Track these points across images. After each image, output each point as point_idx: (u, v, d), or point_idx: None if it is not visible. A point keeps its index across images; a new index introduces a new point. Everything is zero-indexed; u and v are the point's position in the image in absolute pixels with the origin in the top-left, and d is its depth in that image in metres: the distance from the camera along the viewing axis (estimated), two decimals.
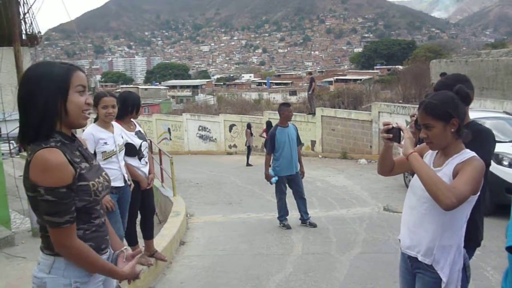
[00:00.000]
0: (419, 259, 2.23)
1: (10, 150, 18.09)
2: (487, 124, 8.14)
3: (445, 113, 2.14)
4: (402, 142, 2.21)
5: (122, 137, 3.96)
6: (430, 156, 2.32)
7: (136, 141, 4.22)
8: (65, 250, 1.72)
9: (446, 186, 2.00)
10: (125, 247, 2.04)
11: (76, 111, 1.77)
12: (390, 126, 2.25)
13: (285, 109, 6.71)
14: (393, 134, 2.24)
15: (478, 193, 2.13)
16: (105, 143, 3.67)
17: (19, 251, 5.53)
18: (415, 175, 2.24)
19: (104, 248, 1.88)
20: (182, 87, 78.86)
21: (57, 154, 1.67)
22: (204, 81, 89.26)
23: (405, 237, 2.33)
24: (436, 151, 2.29)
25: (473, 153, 2.16)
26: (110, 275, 1.86)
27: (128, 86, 79.34)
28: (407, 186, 9.63)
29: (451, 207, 1.99)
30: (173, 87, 78.77)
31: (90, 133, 3.62)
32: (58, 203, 1.66)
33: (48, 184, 1.64)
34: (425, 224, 2.21)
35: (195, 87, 77.58)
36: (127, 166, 4.06)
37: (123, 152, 3.91)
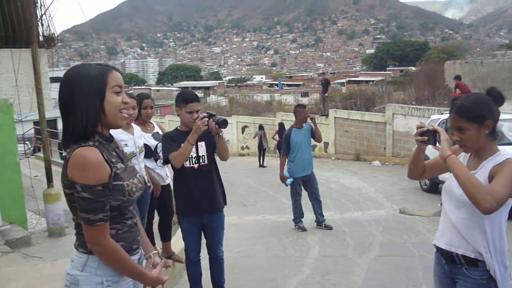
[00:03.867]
0: (467, 254, 2.16)
1: (25, 150, 18.27)
2: (504, 126, 8.03)
3: (478, 115, 2.10)
4: (438, 145, 2.17)
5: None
6: (463, 158, 2.27)
7: (152, 142, 4.22)
8: (97, 248, 1.73)
9: (486, 189, 1.96)
10: (154, 251, 2.04)
11: (114, 111, 1.79)
12: (425, 128, 2.21)
13: (301, 111, 6.69)
14: (428, 136, 2.19)
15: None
16: (126, 144, 3.67)
17: (36, 251, 5.56)
18: (448, 179, 2.20)
19: (136, 248, 1.90)
20: (194, 88, 79.12)
21: (95, 152, 1.70)
22: (215, 82, 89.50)
23: (446, 239, 2.27)
24: (469, 153, 2.25)
25: (508, 155, 2.11)
26: (139, 278, 1.86)
27: (140, 87, 79.88)
28: (422, 188, 9.54)
29: (491, 211, 1.95)
30: (185, 88, 79.13)
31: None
32: (93, 201, 1.68)
33: (85, 181, 1.66)
34: (467, 229, 2.16)
35: (206, 88, 77.87)
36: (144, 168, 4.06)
37: (143, 153, 3.92)
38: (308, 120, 6.63)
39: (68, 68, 1.91)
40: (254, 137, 17.68)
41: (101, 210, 1.70)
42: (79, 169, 1.67)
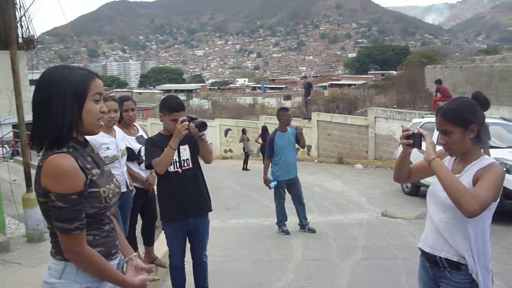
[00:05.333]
0: (449, 258, 2.17)
1: (3, 154, 17.91)
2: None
3: (464, 119, 2.12)
4: (423, 148, 2.19)
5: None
6: (448, 162, 2.28)
7: (135, 146, 4.17)
8: (74, 256, 1.69)
9: (470, 193, 1.98)
10: (135, 253, 1.99)
11: (91, 120, 1.74)
12: (410, 132, 2.22)
13: (284, 114, 6.70)
14: (414, 140, 2.21)
15: (498, 200, 2.10)
16: (108, 148, 3.62)
17: (15, 257, 5.44)
18: (433, 183, 2.21)
19: (114, 253, 1.86)
20: (177, 91, 78.51)
21: (69, 160, 1.64)
22: (198, 85, 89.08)
23: (430, 242, 2.28)
24: (454, 157, 2.27)
25: (492, 159, 2.14)
26: (119, 285, 1.81)
27: (122, 90, 79.11)
28: (404, 191, 9.63)
29: (474, 214, 1.97)
30: (167, 91, 78.46)
31: (93, 138, 3.56)
32: (69, 210, 1.63)
33: (60, 190, 1.61)
34: (450, 232, 2.17)
35: (189, 91, 77.42)
36: (128, 169, 4.01)
37: (125, 157, 3.87)
38: (292, 124, 6.66)
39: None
40: (241, 142, 17.83)
41: (77, 218, 1.65)
42: (53, 178, 1.61)
